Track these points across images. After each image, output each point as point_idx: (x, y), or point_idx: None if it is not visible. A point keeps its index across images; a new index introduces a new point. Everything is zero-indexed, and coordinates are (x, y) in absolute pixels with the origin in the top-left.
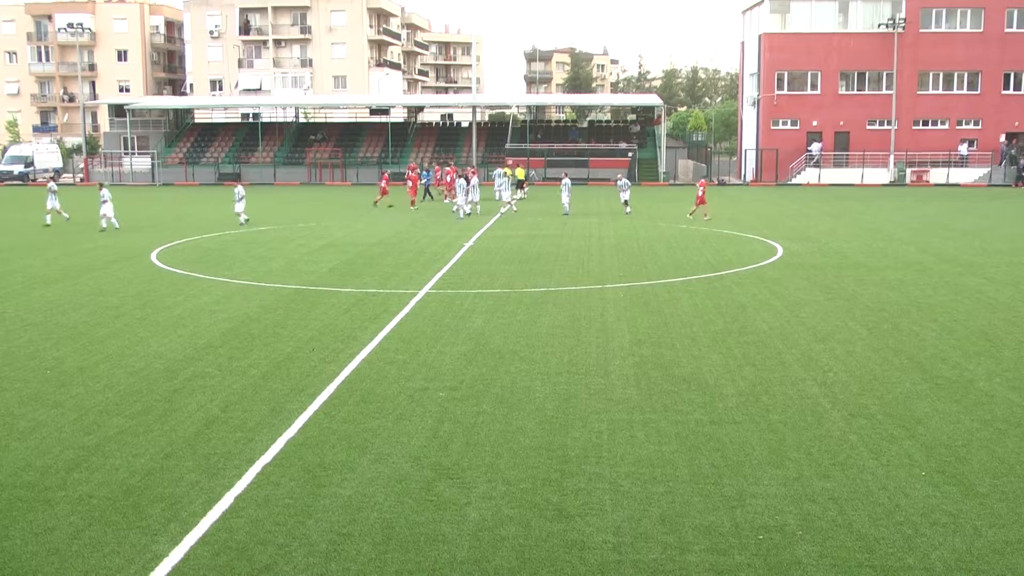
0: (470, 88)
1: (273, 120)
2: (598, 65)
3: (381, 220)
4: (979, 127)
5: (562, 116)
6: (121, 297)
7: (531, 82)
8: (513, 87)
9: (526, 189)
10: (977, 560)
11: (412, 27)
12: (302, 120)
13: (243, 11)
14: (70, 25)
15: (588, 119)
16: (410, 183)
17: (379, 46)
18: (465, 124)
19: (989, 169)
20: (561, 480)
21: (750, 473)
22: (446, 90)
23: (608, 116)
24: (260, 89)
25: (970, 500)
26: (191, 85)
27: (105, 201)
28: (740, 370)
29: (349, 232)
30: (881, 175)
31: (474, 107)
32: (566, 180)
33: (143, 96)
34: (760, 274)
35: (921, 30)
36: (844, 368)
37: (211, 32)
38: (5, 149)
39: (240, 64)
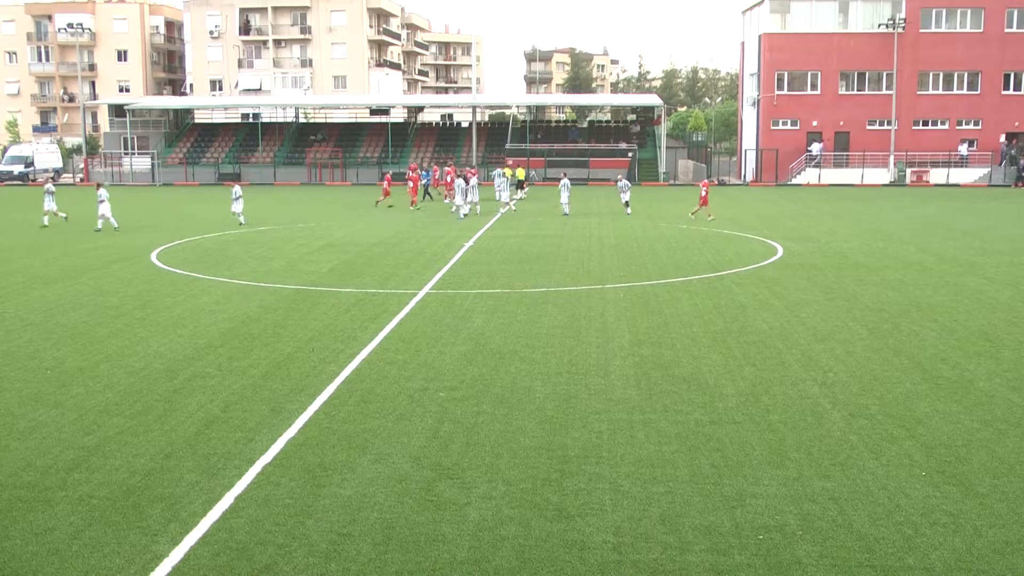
0: (470, 88)
1: (273, 120)
2: (598, 65)
3: (381, 220)
4: (979, 127)
5: (562, 116)
6: (121, 297)
7: (531, 82)
8: (513, 87)
9: (526, 189)
10: (977, 560)
11: (412, 27)
12: (302, 120)
13: (243, 11)
14: (70, 25)
15: (588, 119)
16: (411, 183)
17: (379, 46)
18: (465, 124)
19: (989, 169)
20: (561, 480)
21: (750, 473)
22: (446, 90)
23: (608, 116)
24: (260, 89)
25: (970, 500)
26: (191, 85)
27: (102, 201)
28: (740, 370)
29: (349, 232)
30: (881, 175)
31: (474, 107)
32: (565, 180)
33: (143, 96)
34: (760, 274)
35: (921, 30)
36: (844, 368)
37: (211, 32)
38: (5, 149)
39: (240, 64)
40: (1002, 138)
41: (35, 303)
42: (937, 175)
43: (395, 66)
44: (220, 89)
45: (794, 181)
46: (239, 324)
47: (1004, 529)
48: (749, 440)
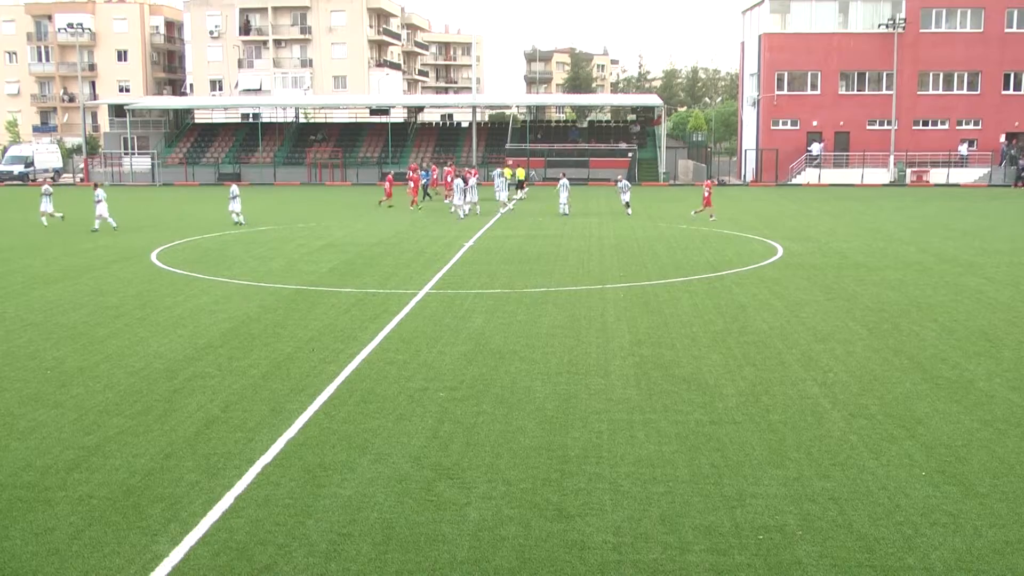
0: (470, 88)
1: (273, 120)
2: (598, 65)
3: (381, 220)
4: (979, 127)
5: (562, 116)
6: (121, 297)
7: (531, 82)
8: (513, 87)
9: (526, 189)
10: (977, 560)
11: (412, 27)
12: (302, 120)
13: (243, 11)
14: (70, 25)
15: (588, 119)
16: (411, 184)
17: (379, 46)
18: (465, 124)
19: (989, 169)
20: (561, 480)
21: (750, 473)
22: (446, 90)
23: (608, 116)
24: (260, 89)
25: (970, 500)
26: (191, 85)
27: (99, 201)
28: (740, 370)
29: (349, 232)
30: (881, 175)
31: (474, 107)
32: (564, 180)
33: (143, 96)
34: (760, 274)
35: (921, 30)
36: (844, 368)
37: (211, 32)
38: (5, 149)
39: (240, 64)
40: (1002, 138)
41: (35, 303)
42: (937, 175)
43: (395, 66)
44: (220, 89)
45: (794, 181)
46: (239, 324)
47: (1004, 529)
48: (749, 440)
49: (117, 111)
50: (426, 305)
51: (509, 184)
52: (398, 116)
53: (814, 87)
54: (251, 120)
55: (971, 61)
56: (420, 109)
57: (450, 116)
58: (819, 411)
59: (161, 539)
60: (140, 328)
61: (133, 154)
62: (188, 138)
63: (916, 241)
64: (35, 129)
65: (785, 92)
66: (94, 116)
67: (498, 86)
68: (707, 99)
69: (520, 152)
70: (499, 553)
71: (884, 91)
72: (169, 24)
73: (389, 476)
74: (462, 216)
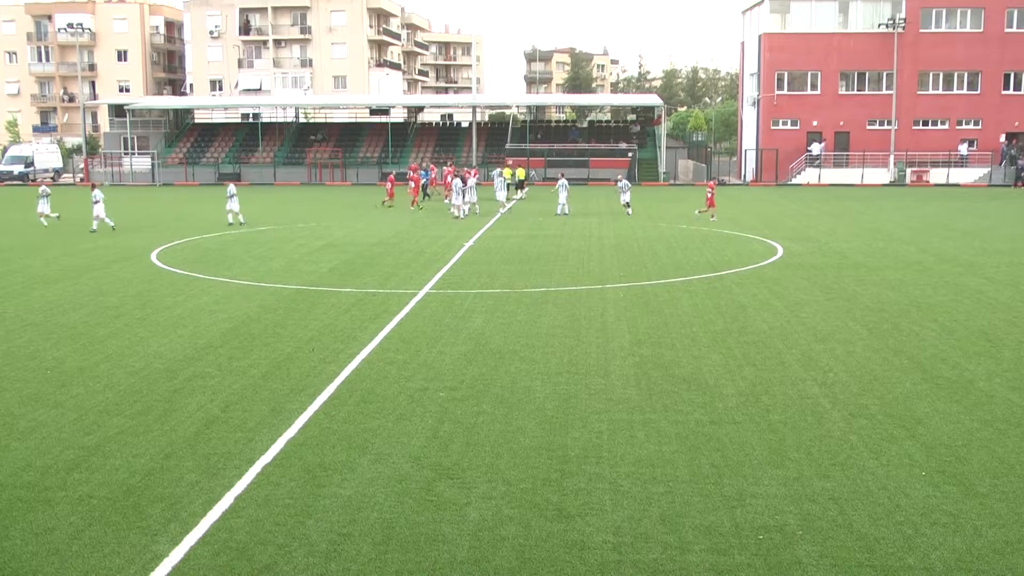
0: (470, 88)
1: (273, 120)
2: (598, 65)
3: (381, 220)
4: (979, 127)
5: (562, 116)
6: (121, 297)
7: (531, 82)
8: (513, 87)
9: (526, 189)
10: (977, 560)
11: (412, 27)
12: (302, 120)
13: (243, 11)
14: (70, 25)
15: (588, 119)
16: (412, 184)
17: (379, 46)
18: (465, 124)
19: (989, 169)
20: (561, 480)
21: (750, 473)
22: (446, 90)
23: (608, 116)
24: (260, 89)
25: (970, 500)
26: (191, 85)
27: (97, 202)
28: (740, 370)
29: (349, 232)
30: (881, 175)
31: (474, 107)
32: (563, 180)
33: (143, 96)
34: (760, 274)
35: (921, 30)
36: (844, 368)
37: (211, 32)
38: (5, 149)
39: (240, 64)
40: (1002, 138)
41: (35, 303)
42: (937, 175)
43: (395, 66)
44: (220, 89)
45: (794, 181)
46: (239, 324)
47: (1004, 529)
48: (749, 440)
49: (117, 111)
50: (426, 305)
51: (509, 184)
52: (398, 116)
53: (814, 87)
54: (251, 120)
55: (971, 61)
56: (420, 109)
57: (450, 116)
58: (819, 411)
59: (161, 539)
60: (140, 328)
61: (133, 154)
62: (188, 138)
63: (916, 241)
64: (35, 129)
65: (785, 92)
66: (94, 116)
67: (498, 86)
68: (707, 99)
69: (520, 152)
70: (499, 553)
71: (884, 91)
72: (169, 24)
73: (389, 476)
74: (461, 216)
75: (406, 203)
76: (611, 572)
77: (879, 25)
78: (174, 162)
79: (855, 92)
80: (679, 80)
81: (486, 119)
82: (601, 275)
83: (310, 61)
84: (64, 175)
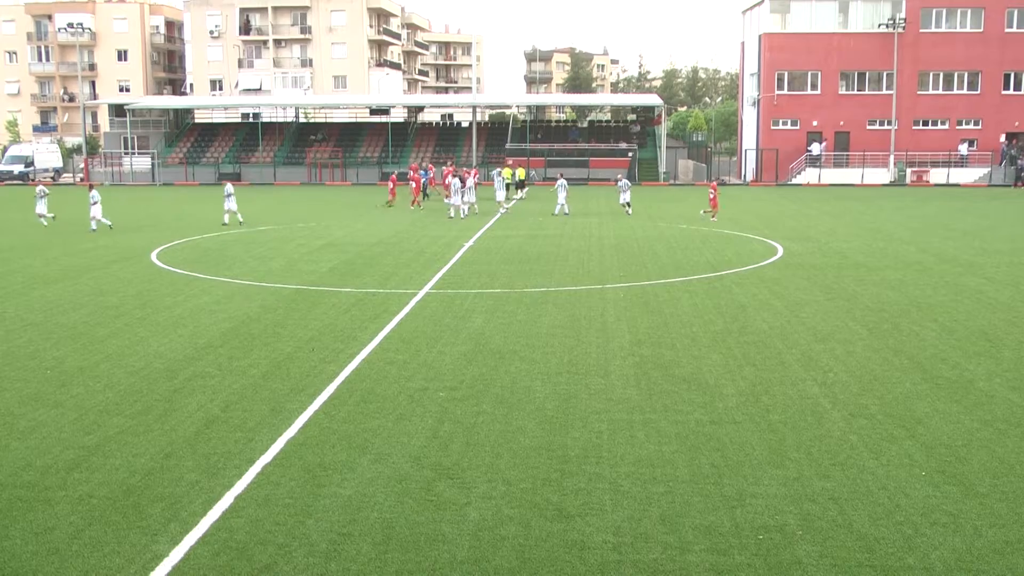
0: (470, 88)
1: (273, 120)
2: (598, 65)
3: (381, 220)
4: (979, 127)
5: (562, 116)
6: (121, 297)
7: (531, 82)
8: (513, 87)
9: (526, 189)
10: (977, 560)
11: (412, 27)
12: (302, 120)
13: (243, 11)
14: (70, 25)
15: (588, 119)
16: (413, 184)
17: (379, 46)
18: (465, 124)
19: (989, 169)
20: (561, 480)
21: (750, 473)
22: (446, 90)
23: (608, 116)
24: (260, 89)
25: (970, 500)
26: (191, 85)
27: (95, 203)
28: (740, 370)
29: (349, 232)
30: (881, 175)
31: (474, 107)
32: (561, 180)
33: (143, 96)
34: (760, 274)
35: (921, 30)
36: (844, 368)
37: (211, 32)
38: (5, 149)
39: (240, 64)
40: (1002, 138)
41: (35, 303)
42: (937, 175)
43: (395, 66)
44: (220, 89)
45: (794, 181)
46: (239, 324)
47: (1004, 529)
48: (749, 440)
49: (117, 111)
50: (426, 305)
51: (508, 184)
52: (398, 116)
53: (814, 87)
54: (251, 120)
55: (971, 61)
56: (420, 109)
57: (450, 116)
58: (819, 411)
59: (161, 539)
60: (140, 328)
61: (133, 154)
62: (188, 138)
63: (916, 241)
64: (35, 129)
65: (785, 92)
66: (94, 116)
67: (498, 86)
68: (707, 99)
69: (520, 152)
70: (499, 553)
71: (884, 91)
72: (169, 24)
73: (389, 476)
74: (462, 216)
75: (406, 203)
76: (611, 572)
77: (879, 25)
78: (174, 162)
79: (855, 92)
80: (679, 80)
81: (486, 119)
82: (601, 275)
83: (310, 61)
84: (64, 175)
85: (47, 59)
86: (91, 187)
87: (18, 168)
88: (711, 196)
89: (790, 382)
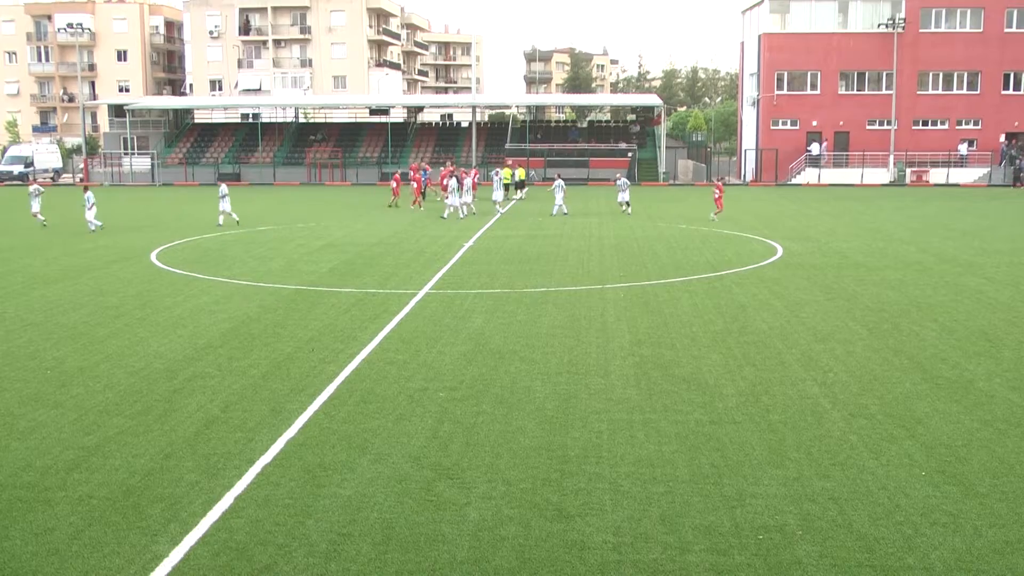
0: (470, 88)
1: (273, 120)
2: (598, 65)
3: (381, 220)
4: (979, 127)
5: (562, 116)
6: (121, 297)
7: (531, 82)
8: (513, 87)
9: (526, 189)
10: (977, 560)
11: (412, 27)
12: (302, 120)
13: (243, 11)
14: (70, 25)
15: (588, 119)
16: (414, 184)
17: (379, 46)
18: (465, 124)
19: (989, 169)
20: (561, 480)
21: (750, 473)
22: (446, 90)
23: (608, 116)
24: (260, 89)
25: (970, 500)
26: (191, 85)
27: (91, 207)
28: (740, 370)
29: (349, 232)
30: (881, 175)
31: (474, 107)
32: (559, 181)
33: (143, 96)
34: (760, 274)
35: (921, 30)
36: (844, 368)
37: (211, 32)
38: (5, 149)
39: (240, 64)
40: (1002, 138)
41: (35, 303)
42: (937, 175)
43: (395, 66)
44: (220, 89)
45: (794, 181)
46: (239, 324)
47: (1004, 529)
48: (749, 440)
49: (117, 111)
50: (426, 305)
51: (508, 184)
52: (398, 116)
53: (814, 87)
54: (251, 120)
55: (971, 61)
56: (420, 109)
57: (450, 116)
58: (819, 411)
59: (161, 539)
60: (140, 328)
61: (133, 154)
62: (188, 138)
63: (916, 241)
64: (35, 129)
65: (785, 92)
66: (94, 116)
67: (498, 86)
68: (707, 99)
69: (520, 152)
70: (499, 553)
71: (884, 91)
72: (169, 24)
73: (389, 476)
74: (460, 216)
75: (406, 203)
76: (611, 572)
77: (879, 25)
78: (174, 162)
79: (855, 92)
80: (679, 80)
81: (486, 119)
82: (601, 275)
83: (310, 61)
84: (64, 175)
85: (47, 59)
86: (86, 188)
87: (18, 168)
88: (716, 196)
89: (790, 382)
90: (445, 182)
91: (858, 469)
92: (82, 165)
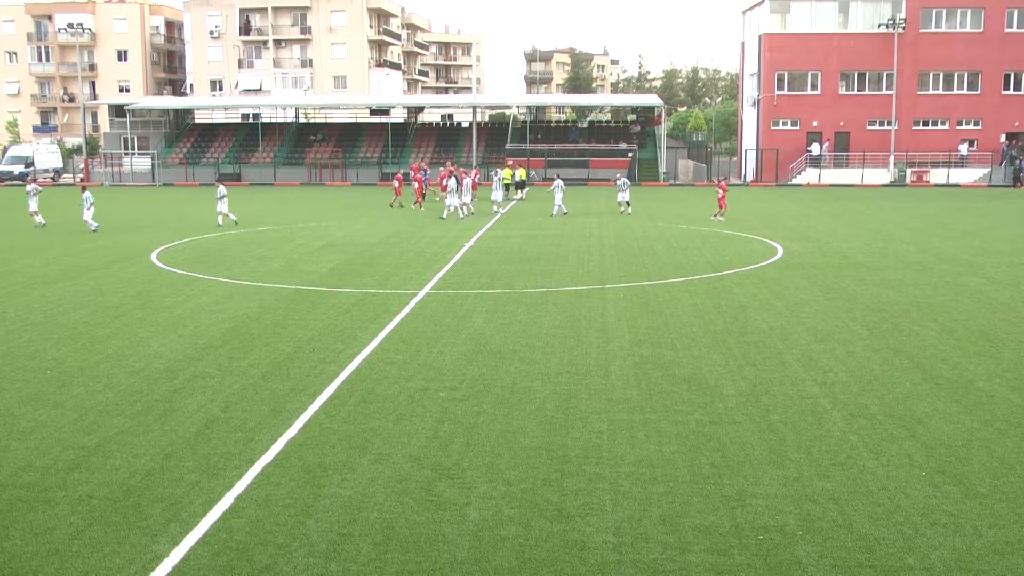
0: (470, 88)
1: (273, 120)
2: (598, 65)
3: (381, 220)
4: (979, 127)
5: (562, 116)
6: (121, 297)
7: (531, 82)
8: (513, 87)
9: (526, 189)
10: (977, 560)
11: (412, 27)
12: (302, 120)
13: (243, 11)
14: (70, 25)
15: (588, 119)
16: (415, 184)
17: (379, 46)
18: (465, 124)
19: (989, 169)
20: (561, 480)
21: (750, 473)
22: (446, 90)
23: (608, 116)
24: (260, 89)
25: (970, 500)
26: (191, 85)
27: (89, 207)
28: (740, 370)
29: (349, 232)
30: (881, 175)
31: (474, 107)
32: (558, 181)
33: (143, 96)
34: (760, 274)
35: (921, 30)
36: (844, 368)
37: (211, 32)
38: (5, 149)
39: (240, 64)
40: (1002, 138)
41: (35, 303)
42: (937, 175)
43: (395, 66)
44: (220, 89)
45: (794, 181)
46: (239, 324)
47: (1004, 529)
48: (749, 440)
49: (117, 111)
50: (426, 305)
51: (508, 184)
52: (398, 116)
53: (814, 87)
54: (251, 120)
55: (971, 61)
56: (420, 109)
57: (450, 116)
58: (819, 411)
59: (161, 539)
60: (140, 328)
61: (133, 154)
62: (188, 138)
63: (916, 241)
64: (35, 129)
65: (785, 92)
66: (94, 116)
67: (498, 86)
68: (707, 99)
69: (520, 152)
70: (499, 553)
71: (884, 91)
72: (169, 24)
73: (389, 476)
74: (460, 216)
75: (408, 203)
76: (611, 572)
77: (879, 25)
78: (174, 162)
79: (855, 92)
80: (679, 80)
81: (486, 119)
82: (601, 275)
83: (310, 61)
84: (64, 175)
85: (47, 59)
86: (84, 188)
87: (18, 168)
88: (719, 196)
89: (790, 382)
90: (444, 182)
91: (858, 469)
92: (82, 165)
